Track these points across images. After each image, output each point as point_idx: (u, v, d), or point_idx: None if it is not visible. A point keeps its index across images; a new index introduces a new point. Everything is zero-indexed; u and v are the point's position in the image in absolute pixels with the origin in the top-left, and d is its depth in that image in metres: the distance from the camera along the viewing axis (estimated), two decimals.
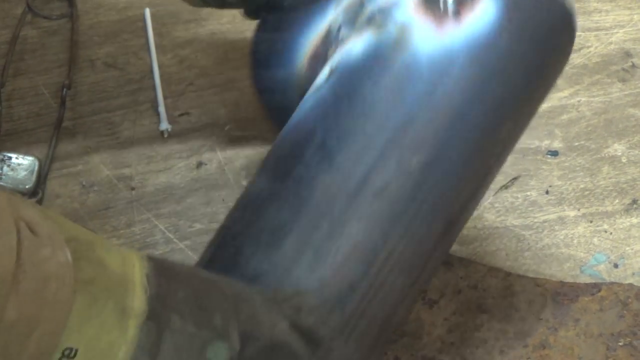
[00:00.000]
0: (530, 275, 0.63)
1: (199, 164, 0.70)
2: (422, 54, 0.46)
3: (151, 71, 0.75)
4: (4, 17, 0.78)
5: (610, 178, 0.68)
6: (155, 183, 0.69)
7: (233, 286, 0.43)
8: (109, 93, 0.74)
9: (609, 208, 0.67)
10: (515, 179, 0.69)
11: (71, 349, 0.35)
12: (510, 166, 0.69)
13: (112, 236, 0.66)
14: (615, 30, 0.77)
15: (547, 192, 0.68)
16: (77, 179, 0.69)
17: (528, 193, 0.68)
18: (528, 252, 0.65)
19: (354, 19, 0.50)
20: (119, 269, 0.38)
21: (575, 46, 0.76)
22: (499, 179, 0.68)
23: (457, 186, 0.46)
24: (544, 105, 0.72)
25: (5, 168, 0.66)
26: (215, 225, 0.66)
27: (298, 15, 0.56)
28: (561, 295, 0.62)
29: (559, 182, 0.68)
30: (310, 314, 0.43)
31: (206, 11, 0.79)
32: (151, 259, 0.40)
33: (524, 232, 0.66)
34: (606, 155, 0.70)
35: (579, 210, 0.67)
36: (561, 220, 0.66)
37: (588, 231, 0.66)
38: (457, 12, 0.46)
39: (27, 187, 0.66)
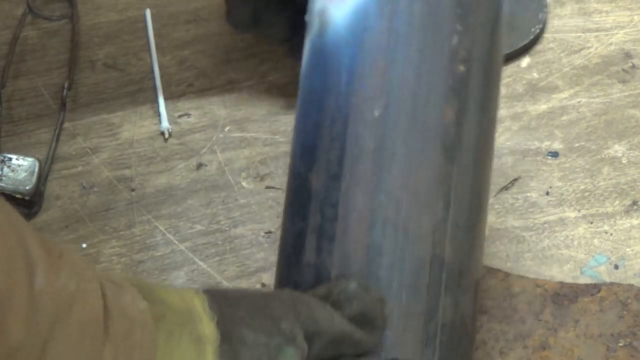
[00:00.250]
0: (531, 276, 0.63)
1: (199, 165, 0.70)
2: (340, 25, 0.50)
3: (151, 72, 0.75)
4: (5, 18, 0.78)
5: (610, 179, 0.69)
6: (156, 184, 0.69)
7: (286, 292, 0.45)
8: (109, 94, 0.74)
9: (610, 209, 0.67)
10: (515, 180, 0.69)
11: None
12: (510, 167, 0.69)
13: (112, 237, 0.66)
14: (615, 31, 0.77)
15: (547, 193, 0.68)
16: (77, 180, 0.69)
17: (528, 194, 0.68)
18: (528, 253, 0.65)
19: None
20: (181, 304, 0.40)
21: (575, 47, 0.76)
22: (500, 180, 0.68)
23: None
24: (544, 107, 0.73)
25: (5, 169, 0.66)
26: (215, 227, 0.66)
27: None
28: (561, 296, 0.62)
29: (559, 183, 0.68)
30: (352, 299, 0.45)
31: (206, 12, 0.79)
32: (205, 290, 0.43)
33: (524, 234, 0.66)
34: (606, 156, 0.70)
35: (579, 211, 0.67)
36: (561, 221, 0.66)
37: (588, 232, 0.66)
38: None
39: (27, 188, 0.66)
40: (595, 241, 0.65)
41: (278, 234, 0.52)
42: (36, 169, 0.66)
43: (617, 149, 0.70)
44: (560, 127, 0.71)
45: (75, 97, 0.74)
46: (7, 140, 0.71)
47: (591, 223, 0.66)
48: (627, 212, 0.67)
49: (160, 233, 0.66)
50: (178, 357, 0.38)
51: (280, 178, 0.68)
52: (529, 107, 0.72)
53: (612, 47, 0.76)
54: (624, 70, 0.75)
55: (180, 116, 0.73)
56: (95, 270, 0.37)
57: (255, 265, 0.65)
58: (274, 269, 0.51)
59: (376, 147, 0.48)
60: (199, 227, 0.67)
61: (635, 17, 0.78)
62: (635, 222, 0.66)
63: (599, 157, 0.70)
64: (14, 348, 0.31)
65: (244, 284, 0.64)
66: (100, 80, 0.75)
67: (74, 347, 0.34)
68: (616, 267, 0.64)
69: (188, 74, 0.75)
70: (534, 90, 0.73)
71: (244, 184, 0.69)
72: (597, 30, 0.77)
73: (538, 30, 0.76)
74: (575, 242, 0.65)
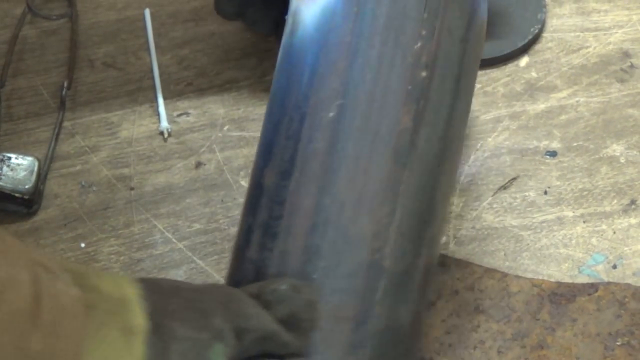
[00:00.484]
0: (529, 275, 0.63)
1: (198, 164, 0.70)
2: (308, 24, 0.50)
3: (150, 71, 0.75)
4: (4, 16, 0.79)
5: (608, 178, 0.69)
6: (154, 183, 0.69)
7: (218, 288, 0.45)
8: (108, 93, 0.74)
9: (608, 208, 0.67)
10: (513, 179, 0.69)
11: None
12: (508, 166, 0.69)
13: (111, 236, 0.66)
14: (613, 31, 0.77)
15: (545, 193, 0.68)
16: (76, 179, 0.69)
17: (526, 193, 0.68)
18: (526, 252, 0.65)
19: None
20: (115, 293, 0.40)
21: (574, 47, 0.76)
22: (498, 180, 0.68)
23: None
24: (542, 106, 0.73)
25: (4, 168, 0.66)
26: (214, 226, 0.67)
27: None
28: (558, 295, 0.62)
29: (558, 183, 0.68)
30: (282, 300, 0.45)
31: (205, 11, 0.79)
32: (140, 279, 0.42)
33: (522, 233, 0.66)
34: (604, 155, 0.70)
35: (577, 210, 0.67)
36: (559, 220, 0.66)
37: (586, 231, 0.66)
38: None
39: (26, 187, 0.66)
40: (593, 240, 0.65)
41: None
42: (35, 168, 0.67)
43: (616, 149, 0.70)
44: (558, 126, 0.71)
45: (75, 96, 0.74)
46: (6, 139, 0.71)
47: (589, 222, 0.66)
48: (625, 211, 0.67)
49: (159, 232, 0.66)
50: (106, 347, 0.38)
51: None
52: (528, 107, 0.72)
53: (611, 47, 0.76)
54: (622, 69, 0.75)
55: (179, 115, 0.73)
56: (31, 256, 0.37)
57: None
58: None
59: (327, 148, 0.48)
60: (197, 225, 0.67)
61: (634, 17, 0.78)
62: (633, 221, 0.66)
63: (597, 156, 0.70)
64: None
65: None
66: (100, 80, 0.75)
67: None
68: (614, 266, 0.64)
69: (187, 73, 0.75)
70: (533, 90, 0.73)
71: (242, 183, 0.69)
72: (596, 29, 0.77)
73: (537, 30, 0.76)
74: (574, 241, 0.65)
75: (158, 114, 0.73)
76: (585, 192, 0.68)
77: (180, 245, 0.66)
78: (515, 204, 0.67)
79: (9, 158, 0.67)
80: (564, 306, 0.62)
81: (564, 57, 0.75)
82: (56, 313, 0.36)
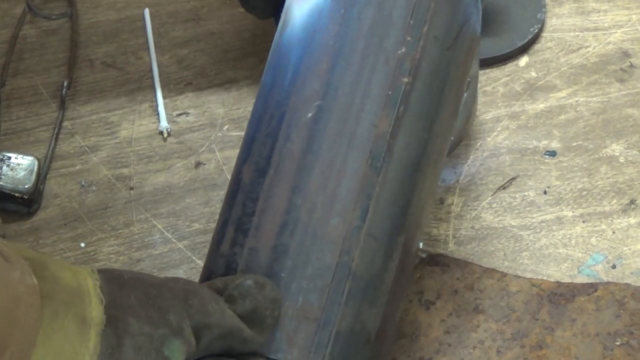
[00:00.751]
0: (528, 275, 0.63)
1: (198, 164, 0.70)
2: (297, 23, 0.51)
3: (150, 71, 0.75)
4: (4, 16, 0.79)
5: (608, 178, 0.69)
6: (154, 183, 0.69)
7: (181, 283, 0.45)
8: (108, 93, 0.74)
9: (607, 208, 0.67)
10: (513, 179, 0.69)
11: None
12: (508, 166, 0.69)
13: (110, 236, 0.66)
14: (613, 30, 0.77)
15: (545, 192, 0.68)
16: (76, 178, 0.69)
17: (526, 193, 0.68)
18: (526, 252, 0.65)
19: None
20: (73, 283, 0.40)
21: (574, 46, 0.76)
22: (497, 180, 0.68)
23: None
24: (542, 106, 0.73)
25: (4, 168, 0.66)
26: (214, 225, 0.66)
27: None
28: (557, 295, 0.62)
29: (557, 182, 0.68)
30: (246, 296, 0.45)
31: (205, 11, 0.79)
32: (100, 270, 0.42)
33: (521, 233, 0.66)
34: (604, 155, 0.70)
35: (576, 210, 0.67)
36: (559, 220, 0.67)
37: (586, 231, 0.66)
38: None
39: (26, 186, 0.66)
40: (593, 240, 0.65)
41: None
42: (35, 168, 0.67)
43: (615, 148, 0.70)
44: (558, 126, 0.71)
45: (74, 96, 0.74)
46: (6, 138, 0.71)
47: (589, 222, 0.66)
48: (625, 211, 0.67)
49: (159, 231, 0.66)
50: (60, 338, 0.38)
51: None
52: (527, 106, 0.72)
53: (610, 47, 0.76)
54: (622, 69, 0.75)
55: (178, 115, 0.73)
56: None
57: None
58: None
59: (303, 148, 0.48)
60: (197, 225, 0.67)
61: (633, 17, 0.78)
62: (632, 221, 0.66)
63: (596, 156, 0.70)
64: None
65: None
66: (99, 79, 0.75)
67: None
68: (613, 266, 0.64)
69: (187, 73, 0.75)
70: (532, 90, 0.74)
71: None
72: (595, 29, 0.77)
73: (536, 30, 0.76)
74: (573, 241, 0.65)
75: (158, 114, 0.73)
76: (584, 192, 0.68)
77: (179, 245, 0.66)
78: (515, 203, 0.67)
79: (9, 158, 0.67)
80: (563, 306, 0.62)
81: (564, 57, 0.76)
82: (9, 302, 0.35)
